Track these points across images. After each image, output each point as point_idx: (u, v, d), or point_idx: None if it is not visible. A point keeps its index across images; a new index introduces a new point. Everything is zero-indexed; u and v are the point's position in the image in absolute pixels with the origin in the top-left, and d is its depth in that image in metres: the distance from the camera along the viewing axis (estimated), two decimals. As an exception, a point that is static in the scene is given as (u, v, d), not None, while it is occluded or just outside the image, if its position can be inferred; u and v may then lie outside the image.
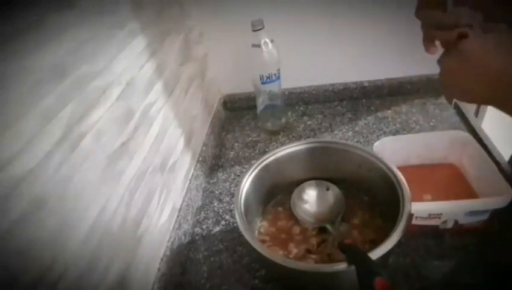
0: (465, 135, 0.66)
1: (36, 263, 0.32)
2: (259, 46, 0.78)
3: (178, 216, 0.64)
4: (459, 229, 0.56)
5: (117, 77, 0.49)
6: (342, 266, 0.42)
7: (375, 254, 0.42)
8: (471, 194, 0.62)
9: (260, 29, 0.76)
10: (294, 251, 0.57)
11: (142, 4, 0.59)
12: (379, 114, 0.91)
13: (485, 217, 0.55)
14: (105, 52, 0.47)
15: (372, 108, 0.94)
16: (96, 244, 0.41)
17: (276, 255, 0.51)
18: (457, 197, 0.55)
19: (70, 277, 0.36)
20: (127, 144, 0.50)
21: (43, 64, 0.36)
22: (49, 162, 0.35)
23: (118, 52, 0.50)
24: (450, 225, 0.56)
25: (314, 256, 0.55)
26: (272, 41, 0.79)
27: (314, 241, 0.58)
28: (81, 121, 0.41)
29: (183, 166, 0.71)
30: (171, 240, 0.59)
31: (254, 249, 0.47)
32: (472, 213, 0.54)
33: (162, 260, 0.56)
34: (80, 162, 0.40)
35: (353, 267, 0.41)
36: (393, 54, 0.89)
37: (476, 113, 1.15)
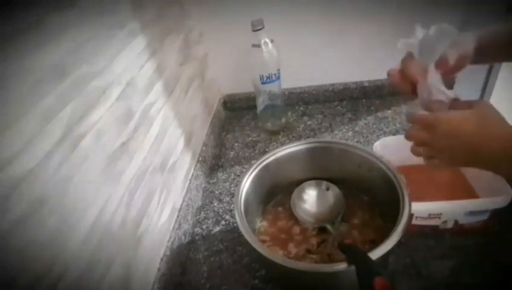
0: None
1: (36, 263, 0.32)
2: (259, 46, 0.78)
3: (178, 216, 0.64)
4: (459, 229, 0.56)
5: (117, 77, 0.49)
6: (342, 266, 0.42)
7: (375, 254, 0.42)
8: (471, 194, 0.62)
9: (260, 29, 0.76)
10: (294, 251, 0.57)
11: (142, 4, 0.59)
12: (379, 114, 0.91)
13: (485, 217, 0.55)
14: (105, 52, 0.47)
15: (372, 108, 0.94)
16: (96, 244, 0.41)
17: (276, 255, 0.51)
18: (457, 197, 0.55)
19: (70, 277, 0.36)
20: (127, 144, 0.50)
21: (43, 64, 0.36)
22: (49, 162, 0.35)
23: (118, 52, 0.50)
24: (450, 225, 0.56)
25: (314, 256, 0.55)
26: (272, 41, 0.79)
27: (314, 241, 0.58)
28: (81, 121, 0.41)
29: (183, 166, 0.71)
30: (171, 240, 0.59)
31: (254, 249, 0.47)
32: (472, 213, 0.54)
33: (162, 260, 0.56)
34: (80, 162, 0.40)
35: (353, 267, 0.41)
36: (394, 54, 0.89)
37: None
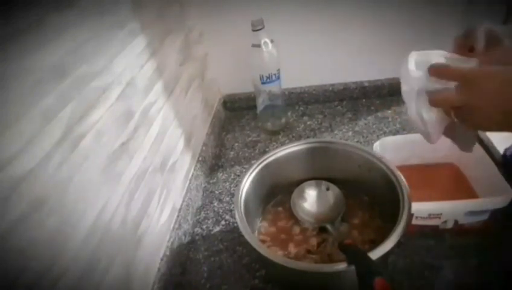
0: (465, 135, 0.66)
1: (36, 263, 0.32)
2: (259, 46, 0.78)
3: (178, 216, 0.64)
4: (459, 229, 0.56)
5: (117, 77, 0.49)
6: (342, 266, 0.42)
7: (375, 254, 0.42)
8: (471, 194, 0.62)
9: (260, 29, 0.76)
10: (294, 251, 0.57)
11: (142, 4, 0.59)
12: (379, 114, 0.91)
13: (485, 217, 0.55)
14: (105, 52, 0.47)
15: (372, 108, 0.94)
16: (96, 244, 0.41)
17: (276, 255, 0.51)
18: (457, 197, 0.55)
19: (70, 276, 0.36)
20: (127, 144, 0.50)
21: (43, 64, 0.36)
22: (49, 162, 0.35)
23: (118, 52, 0.50)
24: (450, 225, 0.56)
25: (314, 256, 0.55)
26: (271, 41, 0.79)
27: (314, 241, 0.58)
28: (81, 121, 0.41)
29: (183, 166, 0.71)
30: (171, 240, 0.59)
31: (254, 249, 0.47)
32: (472, 213, 0.54)
33: (162, 260, 0.56)
34: (80, 162, 0.40)
35: (353, 267, 0.41)
36: (394, 54, 0.88)
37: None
